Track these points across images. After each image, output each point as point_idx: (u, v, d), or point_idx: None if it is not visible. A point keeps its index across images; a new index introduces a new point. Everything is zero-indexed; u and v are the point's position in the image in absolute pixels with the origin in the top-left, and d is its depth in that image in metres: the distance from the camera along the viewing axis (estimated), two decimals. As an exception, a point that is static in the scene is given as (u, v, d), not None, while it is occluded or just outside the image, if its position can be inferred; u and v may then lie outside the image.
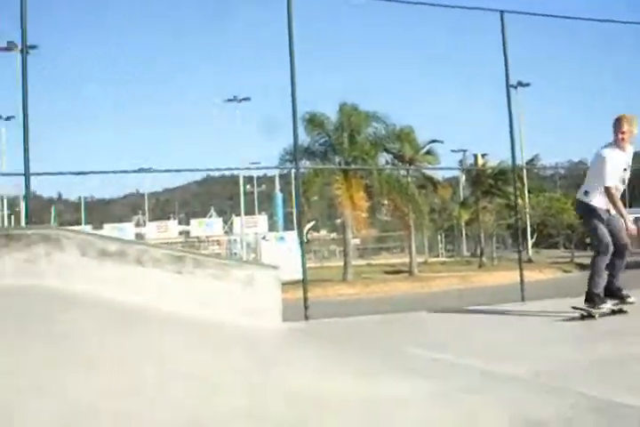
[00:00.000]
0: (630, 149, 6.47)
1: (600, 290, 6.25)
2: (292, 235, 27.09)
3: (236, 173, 46.54)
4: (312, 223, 40.70)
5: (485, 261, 33.29)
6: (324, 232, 57.28)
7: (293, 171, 14.41)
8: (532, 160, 36.06)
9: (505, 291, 9.73)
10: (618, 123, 6.32)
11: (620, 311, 6.33)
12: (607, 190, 6.19)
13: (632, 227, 6.23)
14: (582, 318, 6.20)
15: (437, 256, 43.22)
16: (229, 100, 41.34)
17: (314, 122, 26.31)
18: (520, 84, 33.92)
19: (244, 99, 41.59)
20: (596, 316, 6.18)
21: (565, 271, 27.08)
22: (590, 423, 3.00)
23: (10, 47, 22.29)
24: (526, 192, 32.45)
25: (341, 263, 27.33)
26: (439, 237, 45.82)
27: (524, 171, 32.60)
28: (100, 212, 69.16)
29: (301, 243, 10.01)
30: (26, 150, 6.81)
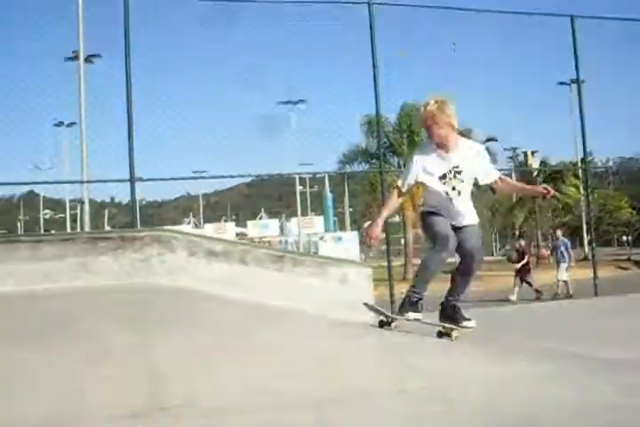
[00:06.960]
0: None
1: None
2: (349, 235, 27.40)
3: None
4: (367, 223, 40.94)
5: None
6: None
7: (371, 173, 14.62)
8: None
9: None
10: None
11: None
12: None
13: None
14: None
15: (492, 255, 43.08)
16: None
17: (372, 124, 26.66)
18: (572, 81, 33.52)
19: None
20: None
21: (623, 268, 26.85)
22: None
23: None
24: (583, 190, 32.36)
25: (398, 262, 27.56)
26: (493, 236, 45.70)
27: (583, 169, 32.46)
28: (153, 214, 70.35)
29: (388, 243, 10.26)
30: (131, 158, 7.33)
